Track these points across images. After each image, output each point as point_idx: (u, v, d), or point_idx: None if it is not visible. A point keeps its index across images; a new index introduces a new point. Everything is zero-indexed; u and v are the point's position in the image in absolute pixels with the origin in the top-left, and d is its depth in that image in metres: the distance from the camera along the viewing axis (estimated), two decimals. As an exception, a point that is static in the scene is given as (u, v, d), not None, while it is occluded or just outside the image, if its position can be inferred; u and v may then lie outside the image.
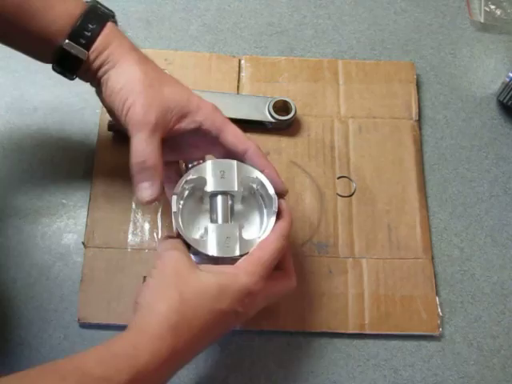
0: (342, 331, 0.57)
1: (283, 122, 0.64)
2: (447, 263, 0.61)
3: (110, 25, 0.48)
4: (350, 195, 0.62)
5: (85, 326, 0.56)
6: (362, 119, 0.66)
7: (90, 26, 0.46)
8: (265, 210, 0.51)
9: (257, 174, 0.50)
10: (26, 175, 0.62)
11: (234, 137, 0.49)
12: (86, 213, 0.60)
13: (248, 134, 0.64)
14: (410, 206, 0.62)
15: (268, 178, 0.50)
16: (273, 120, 0.63)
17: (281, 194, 0.50)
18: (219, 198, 0.49)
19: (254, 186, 0.51)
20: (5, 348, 0.55)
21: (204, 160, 0.52)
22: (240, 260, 0.47)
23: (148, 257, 0.58)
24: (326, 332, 0.57)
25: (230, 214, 0.50)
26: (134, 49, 0.49)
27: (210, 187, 0.49)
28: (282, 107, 0.64)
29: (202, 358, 0.55)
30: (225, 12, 0.73)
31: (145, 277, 0.57)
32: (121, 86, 0.47)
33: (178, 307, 0.43)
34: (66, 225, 0.60)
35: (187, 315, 0.43)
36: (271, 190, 0.50)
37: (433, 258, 0.60)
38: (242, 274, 0.45)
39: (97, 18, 0.47)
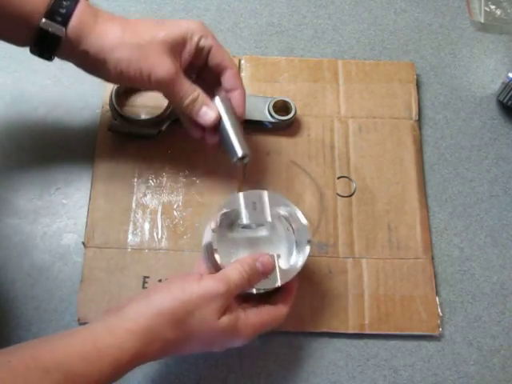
0: (342, 331, 0.57)
1: (283, 122, 0.64)
2: (447, 263, 0.61)
3: (82, 0, 0.48)
4: (350, 195, 0.62)
5: (85, 326, 0.56)
6: (362, 119, 0.66)
7: (64, 2, 0.47)
8: (293, 237, 0.53)
9: (286, 202, 0.52)
10: (26, 175, 0.62)
11: (223, 54, 0.53)
12: (86, 213, 0.60)
13: (248, 134, 0.64)
14: (409, 206, 0.62)
15: (234, 100, 0.54)
16: (273, 120, 0.63)
17: (240, 118, 0.55)
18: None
19: (282, 213, 0.53)
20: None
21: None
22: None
23: (148, 257, 0.58)
24: (325, 332, 0.57)
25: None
26: (111, 17, 0.50)
27: (244, 220, 0.51)
28: (282, 107, 0.64)
29: (202, 358, 0.55)
30: (225, 12, 0.73)
31: (145, 277, 0.58)
32: (127, 56, 0.48)
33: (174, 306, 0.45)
34: (65, 225, 0.60)
35: (180, 317, 0.45)
36: (304, 221, 0.52)
37: (433, 258, 0.60)
38: (241, 319, 0.48)
39: None
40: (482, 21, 0.73)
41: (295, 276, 0.51)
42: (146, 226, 0.60)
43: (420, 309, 0.58)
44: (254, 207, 0.51)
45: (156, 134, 0.62)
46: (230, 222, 0.52)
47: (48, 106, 0.65)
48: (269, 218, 0.51)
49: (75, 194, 0.62)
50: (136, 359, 0.43)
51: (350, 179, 0.63)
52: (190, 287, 0.45)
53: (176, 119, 0.63)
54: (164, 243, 0.59)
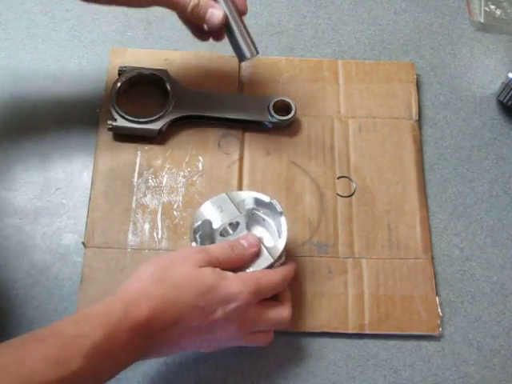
0: (342, 331, 0.57)
1: (283, 122, 0.64)
2: (447, 263, 0.61)
3: None
4: (350, 195, 0.62)
5: (85, 325, 0.56)
6: (362, 119, 0.66)
7: None
8: (272, 224, 0.55)
9: (245, 193, 0.55)
10: (26, 175, 0.62)
11: None
12: (86, 213, 0.60)
13: (248, 134, 0.65)
14: (409, 206, 0.62)
15: None
16: (273, 120, 0.63)
17: (241, 11, 0.56)
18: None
19: (250, 207, 0.55)
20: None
21: None
22: None
23: (148, 257, 0.58)
24: (325, 332, 0.57)
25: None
26: None
27: (217, 224, 0.53)
28: (281, 107, 0.64)
29: (202, 358, 0.55)
30: (225, 12, 0.73)
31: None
32: None
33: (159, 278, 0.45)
34: (65, 225, 0.60)
35: (160, 273, 0.46)
36: (267, 198, 0.54)
37: (433, 258, 0.60)
38: (234, 281, 0.47)
39: None
40: (482, 21, 0.73)
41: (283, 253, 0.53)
42: (146, 226, 0.60)
43: (420, 309, 0.58)
44: (221, 209, 0.53)
45: (156, 134, 0.62)
46: (208, 235, 0.54)
47: (48, 106, 0.65)
48: (237, 212, 0.53)
49: (75, 194, 0.62)
50: (125, 320, 0.42)
51: (350, 179, 0.63)
52: (166, 254, 0.48)
53: (176, 119, 0.63)
54: (164, 243, 0.59)
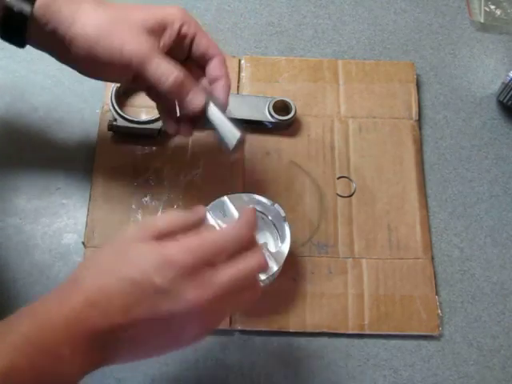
0: (342, 331, 0.57)
1: (283, 122, 0.64)
2: (447, 263, 0.61)
3: None
4: (350, 195, 0.62)
5: (85, 325, 0.56)
6: (362, 119, 0.66)
7: None
8: (269, 222, 0.55)
9: (247, 196, 0.55)
10: (26, 175, 0.62)
11: (207, 41, 0.49)
12: (86, 213, 0.60)
13: (248, 134, 0.64)
14: (409, 206, 0.62)
15: (217, 89, 0.49)
16: (273, 120, 0.63)
17: (222, 107, 0.50)
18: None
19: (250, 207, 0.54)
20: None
21: None
22: None
23: (148, 257, 0.58)
24: (325, 332, 0.57)
25: None
26: None
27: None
28: (281, 107, 0.64)
29: (202, 358, 0.55)
30: (225, 12, 0.73)
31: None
32: (97, 31, 0.45)
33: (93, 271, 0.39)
34: (65, 225, 0.60)
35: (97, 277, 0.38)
36: (269, 202, 0.54)
37: (433, 258, 0.60)
38: (169, 245, 0.39)
39: None
40: (482, 21, 0.73)
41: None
42: (146, 225, 0.60)
43: (420, 309, 0.58)
44: (224, 214, 0.53)
45: (156, 134, 0.62)
46: None
47: (48, 107, 0.65)
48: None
49: (75, 193, 0.62)
50: (60, 310, 0.37)
51: (350, 179, 0.63)
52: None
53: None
54: (164, 243, 0.59)
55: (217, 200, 0.54)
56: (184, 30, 0.49)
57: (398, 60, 0.71)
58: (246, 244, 0.42)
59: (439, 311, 0.58)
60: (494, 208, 0.64)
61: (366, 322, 0.57)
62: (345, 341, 0.57)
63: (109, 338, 0.37)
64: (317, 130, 0.65)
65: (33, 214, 0.60)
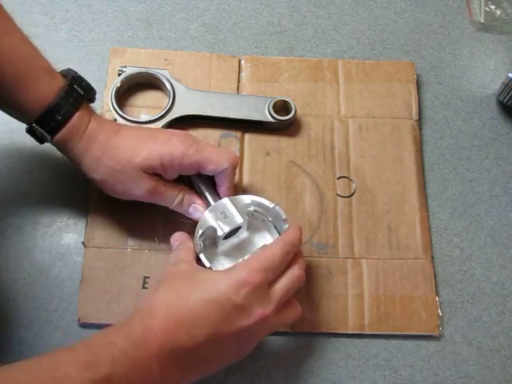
0: (342, 331, 0.57)
1: (283, 122, 0.64)
2: (447, 263, 0.61)
3: (83, 107, 0.52)
4: (350, 195, 0.62)
5: (85, 325, 0.56)
6: (362, 119, 0.66)
7: (57, 116, 0.50)
8: (270, 224, 0.56)
9: (249, 197, 0.55)
10: (26, 175, 0.62)
11: (217, 159, 0.54)
12: (86, 213, 0.60)
13: (248, 134, 0.65)
14: (409, 206, 0.62)
15: (220, 191, 0.55)
16: (273, 120, 0.63)
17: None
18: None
19: (251, 208, 0.55)
20: (5, 348, 0.55)
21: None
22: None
23: (148, 257, 0.58)
24: (325, 332, 0.57)
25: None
26: (96, 136, 0.52)
27: (220, 231, 0.53)
28: (281, 107, 0.64)
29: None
30: (225, 12, 0.73)
31: (145, 277, 0.58)
32: (102, 178, 0.53)
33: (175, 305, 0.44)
34: (65, 225, 0.60)
35: (182, 310, 0.44)
36: (271, 204, 0.54)
37: (433, 258, 0.60)
38: (237, 267, 0.47)
39: (68, 105, 0.51)
40: (482, 21, 0.73)
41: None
42: (146, 226, 0.59)
43: (420, 309, 0.58)
44: (225, 216, 0.53)
45: (156, 134, 0.62)
46: (211, 239, 0.55)
47: (48, 106, 0.65)
48: (240, 219, 0.53)
49: (75, 193, 0.62)
50: (146, 339, 0.42)
51: (350, 179, 0.63)
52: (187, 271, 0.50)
53: (176, 119, 0.63)
54: (164, 244, 0.59)
55: (218, 201, 0.54)
56: (186, 161, 0.53)
57: (398, 60, 0.70)
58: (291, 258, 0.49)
59: (439, 311, 0.58)
60: (493, 208, 0.64)
61: (366, 322, 0.57)
62: (345, 341, 0.57)
63: (190, 356, 0.43)
64: (317, 129, 0.65)
65: (33, 214, 0.60)
